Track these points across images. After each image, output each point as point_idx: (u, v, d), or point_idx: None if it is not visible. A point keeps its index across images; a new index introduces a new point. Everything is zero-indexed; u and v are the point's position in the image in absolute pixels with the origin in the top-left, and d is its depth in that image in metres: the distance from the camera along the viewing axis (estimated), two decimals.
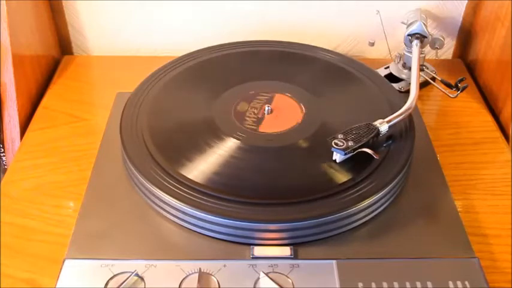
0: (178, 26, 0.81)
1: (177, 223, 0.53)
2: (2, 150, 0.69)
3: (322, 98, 0.64)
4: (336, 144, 0.54)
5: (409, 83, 0.64)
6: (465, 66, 0.81)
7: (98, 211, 0.54)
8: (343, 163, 0.55)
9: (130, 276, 0.47)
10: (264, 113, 0.61)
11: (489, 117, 0.71)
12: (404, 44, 0.73)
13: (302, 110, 0.61)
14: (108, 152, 0.61)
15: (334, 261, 0.49)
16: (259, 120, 0.60)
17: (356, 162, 0.55)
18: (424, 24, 0.71)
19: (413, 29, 0.71)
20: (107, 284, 0.47)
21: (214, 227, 0.51)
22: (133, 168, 0.55)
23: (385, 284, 0.47)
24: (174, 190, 0.52)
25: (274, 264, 0.49)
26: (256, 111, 0.61)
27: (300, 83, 0.66)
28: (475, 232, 0.55)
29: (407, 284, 0.47)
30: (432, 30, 0.81)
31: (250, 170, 0.55)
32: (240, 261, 0.49)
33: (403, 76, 0.74)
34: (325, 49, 0.72)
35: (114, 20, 0.81)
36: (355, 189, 0.53)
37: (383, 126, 0.56)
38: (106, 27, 0.81)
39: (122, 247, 0.51)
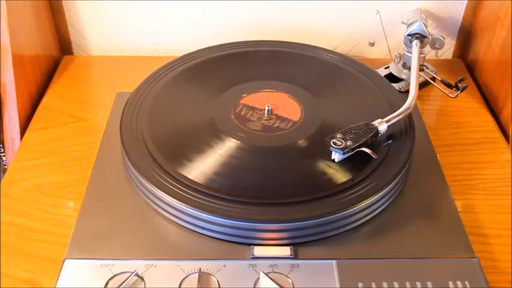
0: (178, 26, 0.81)
1: (177, 223, 0.53)
2: (2, 150, 0.69)
3: (322, 98, 0.64)
4: (335, 143, 0.54)
5: (409, 83, 0.64)
6: (465, 66, 0.81)
7: (98, 211, 0.54)
8: (343, 163, 0.55)
9: (130, 276, 0.47)
10: (264, 113, 0.61)
11: (489, 117, 0.71)
12: (404, 44, 0.73)
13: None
14: (108, 152, 0.61)
15: (334, 261, 0.49)
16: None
17: (356, 162, 0.55)
18: (424, 24, 0.71)
19: (413, 29, 0.71)
20: (107, 284, 0.47)
21: (214, 227, 0.51)
22: (133, 168, 0.55)
23: (385, 284, 0.47)
24: (174, 190, 0.52)
25: (274, 264, 0.49)
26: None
27: (300, 83, 0.66)
28: (475, 232, 0.55)
29: (407, 284, 0.47)
30: (432, 30, 0.81)
31: (250, 170, 0.55)
32: (240, 261, 0.49)
33: (403, 76, 0.74)
34: (325, 49, 0.72)
35: (114, 20, 0.81)
36: (355, 189, 0.53)
37: (382, 126, 0.56)
38: (106, 27, 0.81)
39: (122, 247, 0.51)
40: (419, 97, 0.69)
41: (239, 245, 0.51)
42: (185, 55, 0.70)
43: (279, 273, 0.48)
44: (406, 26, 0.73)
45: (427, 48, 0.73)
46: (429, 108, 0.73)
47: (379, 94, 0.65)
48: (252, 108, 0.62)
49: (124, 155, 0.57)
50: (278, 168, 0.55)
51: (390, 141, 0.58)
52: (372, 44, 0.75)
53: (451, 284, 0.48)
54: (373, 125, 0.56)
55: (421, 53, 0.71)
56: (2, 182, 0.60)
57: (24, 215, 0.56)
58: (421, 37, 0.71)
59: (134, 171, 0.55)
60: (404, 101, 0.60)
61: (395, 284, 0.47)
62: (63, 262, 0.49)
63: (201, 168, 0.55)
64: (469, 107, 0.73)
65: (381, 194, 0.53)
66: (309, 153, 0.57)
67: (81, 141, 0.65)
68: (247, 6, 0.79)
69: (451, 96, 0.68)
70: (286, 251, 0.50)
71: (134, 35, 0.82)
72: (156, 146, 0.57)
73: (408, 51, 0.73)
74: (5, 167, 0.70)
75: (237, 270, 0.49)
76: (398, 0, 0.78)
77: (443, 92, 0.69)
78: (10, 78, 0.67)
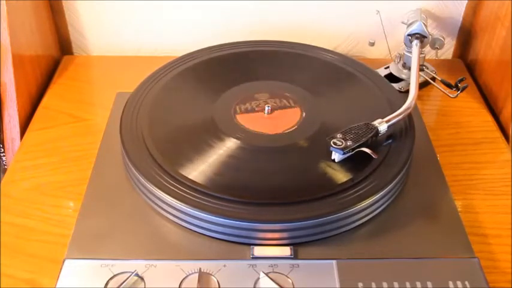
0: (178, 26, 0.81)
1: (177, 223, 0.53)
2: (2, 150, 0.69)
3: (322, 98, 0.64)
4: (335, 143, 0.54)
5: (409, 83, 0.64)
6: (465, 66, 0.81)
7: (98, 211, 0.54)
8: (343, 163, 0.55)
9: (130, 276, 0.47)
10: (264, 113, 0.61)
11: (489, 117, 0.71)
12: (404, 44, 0.73)
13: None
14: (108, 152, 0.61)
15: (334, 261, 0.49)
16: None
17: (356, 162, 0.55)
18: (424, 24, 0.71)
19: (413, 29, 0.71)
20: (107, 284, 0.47)
21: (214, 227, 0.51)
22: (133, 168, 0.55)
23: (385, 284, 0.47)
24: (174, 190, 0.52)
25: (274, 264, 0.49)
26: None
27: (300, 83, 0.66)
28: (475, 232, 0.55)
29: (407, 284, 0.47)
30: (432, 30, 0.81)
31: (250, 170, 0.55)
32: (240, 261, 0.49)
33: (403, 76, 0.74)
34: (325, 49, 0.72)
35: (114, 20, 0.81)
36: (355, 189, 0.53)
37: (382, 126, 0.56)
38: (106, 27, 0.81)
39: (122, 247, 0.51)
40: (419, 97, 0.69)
41: (239, 245, 0.51)
42: (185, 55, 0.70)
43: (279, 273, 0.48)
44: (406, 26, 0.73)
45: (427, 48, 0.73)
46: (429, 108, 0.73)
47: (379, 94, 0.65)
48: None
49: (124, 155, 0.57)
50: (278, 168, 0.55)
51: (390, 141, 0.58)
52: (372, 44, 0.75)
53: (451, 284, 0.48)
54: (373, 125, 0.56)
55: (421, 53, 0.71)
56: (2, 182, 0.60)
57: (24, 215, 0.56)
58: (421, 37, 0.71)
59: (134, 171, 0.55)
60: (404, 101, 0.60)
61: (395, 284, 0.47)
62: (63, 262, 0.49)
63: (201, 168, 0.55)
64: (469, 107, 0.73)
65: (381, 194, 0.53)
66: (309, 153, 0.57)
67: (81, 141, 0.65)
68: (247, 6, 0.79)
69: (451, 96, 0.68)
70: (286, 251, 0.50)
71: (134, 35, 0.82)
72: (156, 146, 0.57)
73: (408, 51, 0.73)
74: (5, 167, 0.70)
75: (237, 270, 0.49)
76: (398, 0, 0.78)
77: (443, 92, 0.69)
78: (10, 78, 0.67)
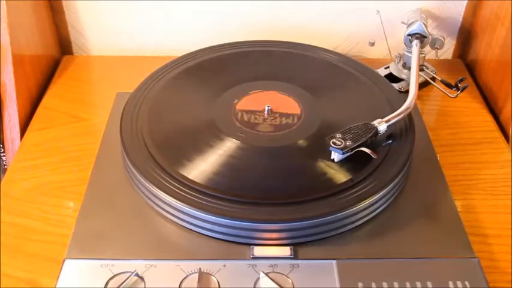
0: (178, 26, 0.81)
1: (177, 223, 0.53)
2: (2, 150, 0.69)
3: (322, 98, 0.64)
4: (334, 143, 0.54)
5: (409, 83, 0.64)
6: (465, 66, 0.81)
7: (98, 211, 0.54)
8: (343, 163, 0.55)
9: (130, 276, 0.48)
10: (264, 113, 0.61)
11: (489, 117, 0.71)
12: (404, 44, 0.73)
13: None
14: (108, 152, 0.61)
15: (334, 261, 0.49)
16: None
17: (356, 162, 0.55)
18: (424, 24, 0.71)
19: (413, 29, 0.71)
20: (107, 284, 0.47)
21: (214, 227, 0.51)
22: (133, 168, 0.55)
23: (385, 284, 0.47)
24: (174, 190, 0.52)
25: (274, 264, 0.49)
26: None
27: (300, 83, 0.66)
28: (475, 232, 0.55)
29: (407, 284, 0.47)
30: (432, 30, 0.81)
31: (250, 170, 0.55)
32: (240, 261, 0.49)
33: (403, 76, 0.74)
34: (325, 49, 0.72)
35: (114, 20, 0.81)
36: (355, 189, 0.53)
37: (381, 126, 0.56)
38: (106, 27, 0.81)
39: (122, 247, 0.51)
40: (419, 97, 0.69)
41: (239, 245, 0.51)
42: (185, 55, 0.70)
43: (279, 273, 0.48)
44: (406, 26, 0.73)
45: (427, 48, 0.73)
46: (429, 108, 0.73)
47: (379, 94, 0.65)
48: (252, 108, 0.62)
49: (124, 155, 0.57)
50: (278, 168, 0.55)
51: (390, 141, 0.58)
52: (372, 44, 0.75)
53: (451, 284, 0.48)
54: (372, 125, 0.56)
55: (421, 53, 0.71)
56: (2, 182, 0.60)
57: (24, 215, 0.56)
58: (421, 37, 0.71)
59: (134, 171, 0.55)
60: (404, 101, 0.60)
61: (395, 284, 0.47)
62: (63, 262, 0.49)
63: (201, 168, 0.55)
64: (469, 107, 0.73)
65: (380, 194, 0.53)
66: (309, 153, 0.57)
67: (81, 141, 0.65)
68: (248, 6, 0.79)
69: (451, 96, 0.68)
70: (286, 251, 0.50)
71: (134, 35, 0.82)
72: (156, 146, 0.57)
73: (408, 51, 0.73)
74: (5, 167, 0.70)
75: (237, 270, 0.49)
76: (398, 0, 0.78)
77: (443, 92, 0.69)
78: (10, 78, 0.67)
